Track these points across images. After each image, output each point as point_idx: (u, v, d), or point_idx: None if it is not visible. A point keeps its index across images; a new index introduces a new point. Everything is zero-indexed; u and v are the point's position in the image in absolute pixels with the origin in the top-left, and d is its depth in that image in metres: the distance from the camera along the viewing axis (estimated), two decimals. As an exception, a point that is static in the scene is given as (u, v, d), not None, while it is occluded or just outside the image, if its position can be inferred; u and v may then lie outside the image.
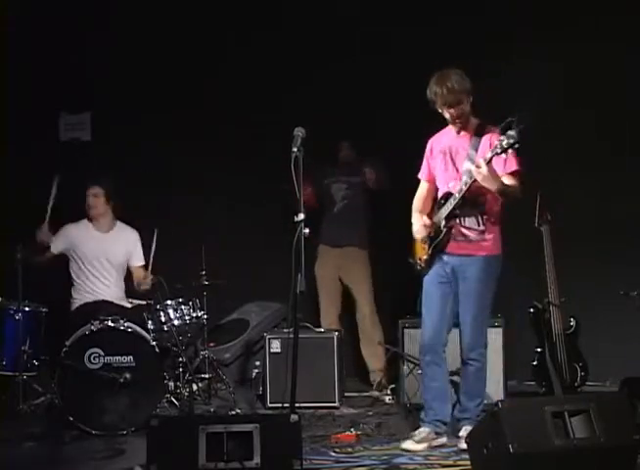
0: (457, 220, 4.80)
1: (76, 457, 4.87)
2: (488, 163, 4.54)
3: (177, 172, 6.89)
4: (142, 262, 6.09)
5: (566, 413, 3.75)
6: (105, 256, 6.00)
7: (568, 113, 6.30)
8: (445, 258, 4.87)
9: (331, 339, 5.98)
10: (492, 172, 4.61)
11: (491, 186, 4.64)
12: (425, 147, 5.05)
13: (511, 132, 4.44)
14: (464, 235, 4.82)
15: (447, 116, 4.83)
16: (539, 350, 5.72)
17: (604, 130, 6.32)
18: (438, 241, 4.84)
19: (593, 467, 3.77)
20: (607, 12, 6.34)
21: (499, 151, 4.48)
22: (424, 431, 4.85)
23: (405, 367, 5.89)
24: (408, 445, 4.80)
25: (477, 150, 4.77)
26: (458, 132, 4.88)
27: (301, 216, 4.35)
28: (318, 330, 6.13)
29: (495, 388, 5.23)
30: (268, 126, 6.62)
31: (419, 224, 4.98)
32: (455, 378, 5.71)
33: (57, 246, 5.97)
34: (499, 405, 3.79)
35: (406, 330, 5.92)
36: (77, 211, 6.04)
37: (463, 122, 4.84)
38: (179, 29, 6.91)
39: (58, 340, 5.46)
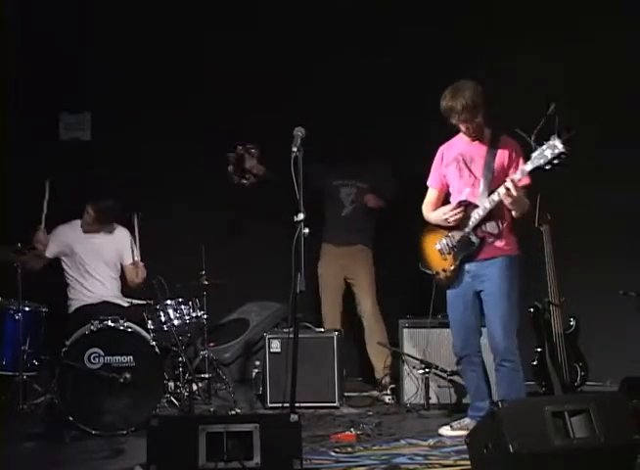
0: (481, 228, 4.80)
1: (76, 457, 4.86)
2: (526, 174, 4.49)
3: (177, 172, 6.88)
4: (132, 260, 6.07)
5: (566, 413, 3.75)
6: (98, 255, 6.01)
7: (568, 113, 6.28)
8: (467, 266, 4.87)
9: (331, 339, 5.97)
10: (521, 196, 4.59)
11: (518, 209, 4.66)
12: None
13: (556, 142, 4.23)
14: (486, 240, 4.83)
15: (463, 129, 4.81)
16: (539, 349, 5.71)
17: (604, 130, 6.31)
18: (471, 252, 4.82)
19: (593, 467, 3.76)
20: (607, 12, 6.34)
21: (542, 162, 4.31)
22: (465, 421, 5.00)
23: (405, 367, 5.89)
24: (444, 430, 5.00)
25: (494, 157, 4.74)
26: (472, 140, 4.86)
27: (301, 216, 4.35)
28: (318, 330, 6.12)
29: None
30: (268, 126, 6.62)
31: (439, 215, 4.93)
32: (456, 378, 5.73)
33: (51, 249, 5.97)
34: (499, 405, 3.79)
35: (406, 330, 5.92)
36: (75, 211, 6.06)
37: (478, 134, 4.82)
38: (179, 29, 6.90)
39: (58, 340, 5.46)
